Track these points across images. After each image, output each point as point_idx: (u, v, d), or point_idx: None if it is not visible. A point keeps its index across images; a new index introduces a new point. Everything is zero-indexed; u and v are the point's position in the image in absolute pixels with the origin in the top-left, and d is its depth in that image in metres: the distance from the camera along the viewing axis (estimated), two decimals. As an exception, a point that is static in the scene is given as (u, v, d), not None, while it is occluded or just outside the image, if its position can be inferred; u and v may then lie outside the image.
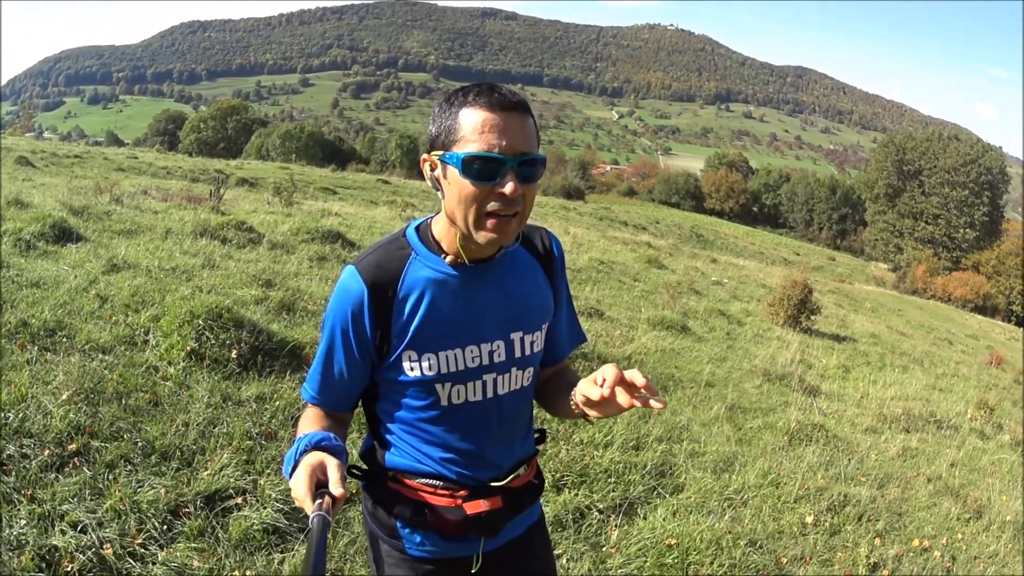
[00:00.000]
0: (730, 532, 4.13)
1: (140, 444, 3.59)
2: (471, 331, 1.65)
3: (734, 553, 3.93)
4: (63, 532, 2.86)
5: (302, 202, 16.48)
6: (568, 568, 3.53)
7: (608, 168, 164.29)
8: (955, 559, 4.72)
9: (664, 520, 4.11)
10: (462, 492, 1.72)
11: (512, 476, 1.79)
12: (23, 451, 3.29)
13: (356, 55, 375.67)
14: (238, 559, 3.03)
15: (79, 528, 2.91)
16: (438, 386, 1.65)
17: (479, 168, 1.47)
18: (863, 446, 6.62)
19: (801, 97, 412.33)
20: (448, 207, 1.55)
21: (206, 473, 3.49)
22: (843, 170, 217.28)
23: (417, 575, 1.77)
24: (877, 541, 4.64)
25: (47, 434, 3.45)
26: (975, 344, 22.55)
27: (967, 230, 73.85)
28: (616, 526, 4.00)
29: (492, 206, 1.50)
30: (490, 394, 1.70)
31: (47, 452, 3.32)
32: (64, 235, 6.93)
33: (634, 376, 1.45)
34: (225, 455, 3.65)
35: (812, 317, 13.17)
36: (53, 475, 3.22)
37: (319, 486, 1.40)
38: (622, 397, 1.46)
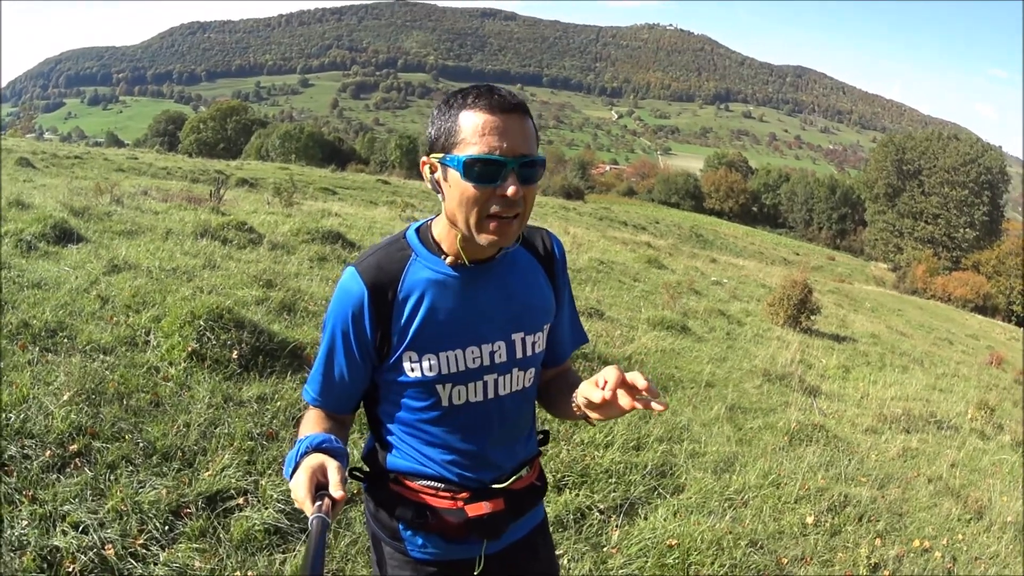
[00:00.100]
0: (731, 532, 4.13)
1: (141, 445, 3.60)
2: (472, 332, 1.65)
3: (735, 553, 3.93)
4: (64, 533, 2.86)
5: (302, 202, 16.47)
6: (569, 568, 3.54)
7: (607, 168, 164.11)
8: (956, 560, 4.72)
9: (665, 520, 4.11)
10: (464, 494, 1.72)
11: (514, 478, 1.79)
12: (25, 452, 3.29)
13: (355, 55, 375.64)
14: (240, 560, 3.03)
15: (81, 529, 2.91)
16: (439, 387, 1.66)
17: (480, 171, 1.47)
18: (863, 446, 6.63)
19: (800, 97, 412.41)
20: (449, 209, 1.55)
21: (207, 474, 3.50)
22: (842, 170, 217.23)
23: None
24: (878, 542, 4.65)
25: (48, 435, 3.45)
26: (975, 344, 22.55)
27: (967, 230, 73.83)
28: (617, 526, 4.00)
29: (494, 208, 1.50)
30: (491, 395, 1.70)
31: (49, 453, 3.32)
32: (65, 236, 6.93)
33: (635, 378, 1.45)
34: (226, 456, 3.66)
35: (812, 317, 13.16)
36: (55, 476, 3.22)
37: (319, 488, 1.40)
38: (623, 399, 1.46)
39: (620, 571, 3.60)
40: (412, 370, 1.64)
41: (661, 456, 4.96)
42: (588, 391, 1.54)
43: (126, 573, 2.82)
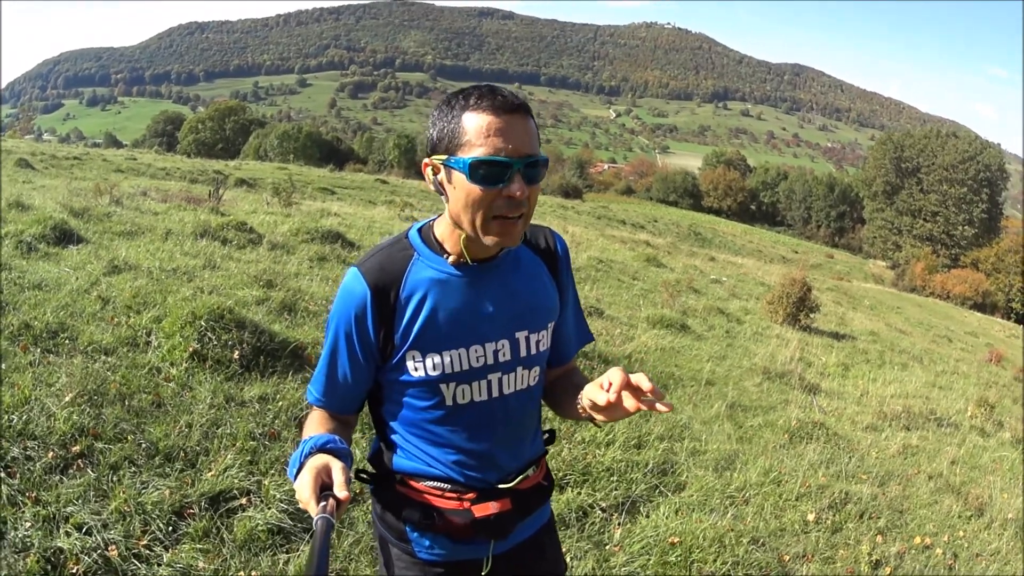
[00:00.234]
0: (732, 530, 4.14)
1: (144, 445, 3.60)
2: (475, 330, 1.65)
3: (737, 551, 3.93)
4: (68, 534, 2.87)
5: (301, 202, 16.47)
6: (572, 567, 3.54)
7: (606, 167, 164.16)
8: (957, 556, 4.73)
9: (667, 518, 4.12)
10: (470, 495, 1.72)
11: (521, 477, 1.79)
12: (27, 453, 3.29)
13: (353, 55, 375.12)
14: (243, 560, 3.03)
15: (84, 530, 2.91)
16: (443, 386, 1.65)
17: (486, 172, 1.47)
18: (864, 444, 6.63)
19: (798, 95, 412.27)
20: (454, 211, 1.55)
21: (210, 474, 3.50)
22: (841, 168, 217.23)
23: None
24: (879, 539, 4.66)
25: (51, 436, 3.45)
26: (974, 341, 22.58)
27: (966, 227, 73.92)
28: (619, 524, 4.01)
29: (500, 209, 1.50)
30: (495, 393, 1.70)
31: (51, 454, 3.32)
32: (65, 237, 6.93)
33: (640, 380, 1.46)
34: (229, 456, 3.66)
35: (811, 315, 13.17)
36: (57, 477, 3.22)
37: (323, 488, 1.40)
38: (628, 401, 1.48)
39: (623, 569, 3.61)
40: (416, 369, 1.64)
41: (662, 454, 4.96)
42: (593, 393, 1.54)
43: (130, 574, 2.82)
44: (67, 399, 3.72)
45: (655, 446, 5.06)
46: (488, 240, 1.54)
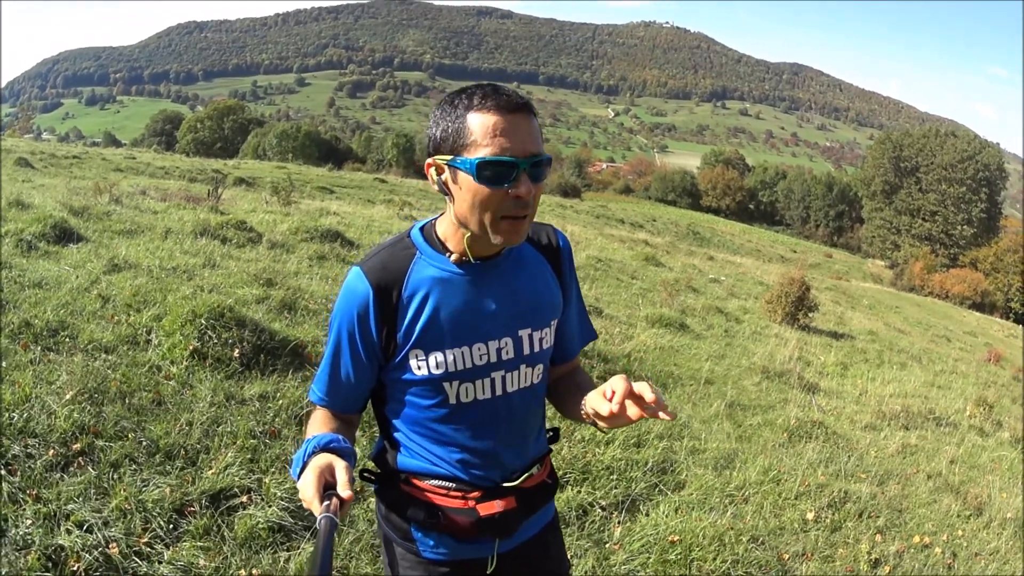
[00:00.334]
0: (732, 528, 4.15)
1: (144, 443, 3.60)
2: (478, 328, 1.65)
3: (736, 549, 3.94)
4: (69, 532, 2.87)
5: (300, 201, 16.48)
6: (572, 565, 3.54)
7: (604, 166, 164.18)
8: (956, 556, 4.74)
9: (666, 517, 4.13)
10: (475, 493, 1.72)
11: (525, 476, 1.79)
12: (28, 451, 3.29)
13: (352, 54, 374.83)
14: (244, 558, 3.04)
15: (85, 528, 2.92)
16: (446, 384, 1.65)
17: (493, 172, 1.47)
18: (863, 443, 6.64)
19: (797, 94, 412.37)
20: (460, 211, 1.55)
21: (211, 472, 3.50)
22: (840, 167, 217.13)
23: None
24: (878, 537, 4.66)
25: (52, 434, 3.46)
26: (973, 341, 22.59)
27: (964, 227, 73.92)
28: (619, 523, 4.02)
29: (507, 209, 1.51)
30: (499, 391, 1.70)
31: (52, 452, 3.33)
32: (65, 235, 6.93)
33: (643, 389, 1.46)
34: (229, 454, 3.66)
35: (810, 314, 13.18)
36: (58, 475, 3.23)
37: (327, 488, 1.40)
38: (632, 410, 1.48)
39: (623, 567, 3.61)
40: (419, 368, 1.64)
41: (662, 453, 4.97)
42: (596, 403, 1.54)
43: (131, 571, 2.82)
44: (68, 397, 3.72)
45: (655, 445, 5.07)
46: (496, 239, 1.54)
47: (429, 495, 1.72)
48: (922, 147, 78.44)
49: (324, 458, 1.45)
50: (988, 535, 5.20)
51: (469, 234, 1.58)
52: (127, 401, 3.94)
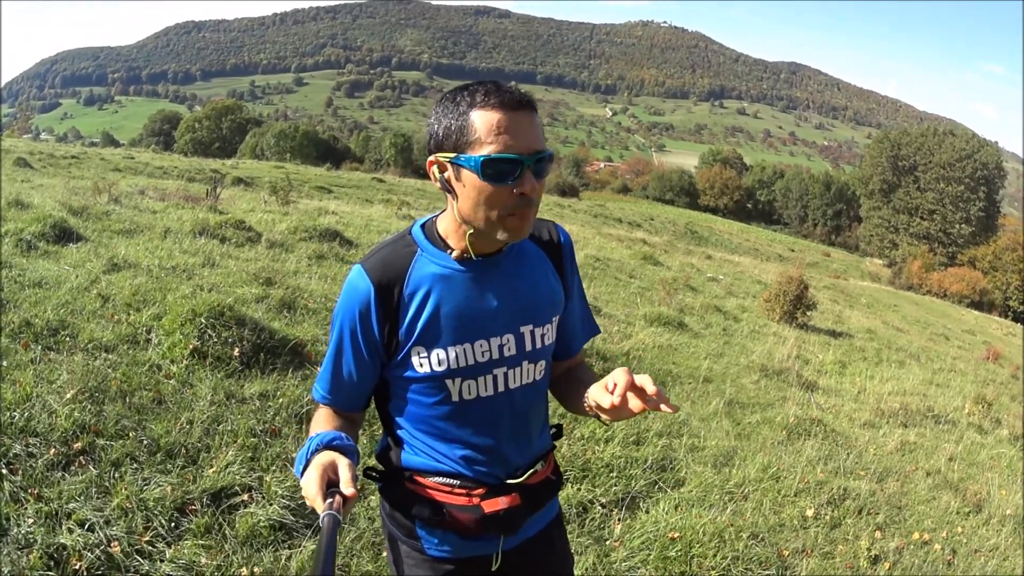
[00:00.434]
0: (732, 525, 4.15)
1: (145, 442, 3.61)
2: (480, 325, 1.65)
3: (736, 546, 3.95)
4: (71, 530, 2.87)
5: (298, 201, 16.48)
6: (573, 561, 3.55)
7: (602, 165, 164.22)
8: (955, 552, 4.75)
9: (666, 514, 4.13)
10: (479, 490, 1.72)
11: (529, 472, 1.79)
12: (29, 450, 3.30)
13: (350, 54, 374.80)
14: (245, 556, 3.04)
15: (86, 526, 2.92)
16: (448, 381, 1.65)
17: (497, 170, 1.47)
18: (861, 440, 6.65)
19: (795, 93, 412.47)
20: (464, 208, 1.55)
21: (212, 470, 3.50)
22: (837, 166, 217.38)
23: (437, 575, 1.78)
24: (878, 534, 4.67)
25: (52, 433, 3.46)
26: (972, 339, 22.60)
27: (963, 225, 73.98)
28: (619, 520, 4.02)
29: (511, 206, 1.51)
30: (501, 388, 1.70)
31: (53, 451, 3.33)
32: (64, 235, 6.93)
33: (644, 382, 1.46)
34: (230, 452, 3.67)
35: (808, 313, 13.18)
36: (59, 474, 3.23)
37: (330, 485, 1.41)
38: (634, 402, 1.49)
39: (623, 564, 3.62)
40: (421, 365, 1.64)
41: (661, 450, 4.98)
42: (598, 395, 1.54)
43: (132, 570, 2.83)
44: (68, 396, 3.73)
45: (654, 442, 5.08)
46: (501, 236, 1.55)
47: (433, 492, 1.72)
48: (920, 146, 78.49)
49: (327, 456, 1.45)
50: (987, 532, 5.21)
51: (472, 231, 1.58)
52: (128, 400, 3.94)
